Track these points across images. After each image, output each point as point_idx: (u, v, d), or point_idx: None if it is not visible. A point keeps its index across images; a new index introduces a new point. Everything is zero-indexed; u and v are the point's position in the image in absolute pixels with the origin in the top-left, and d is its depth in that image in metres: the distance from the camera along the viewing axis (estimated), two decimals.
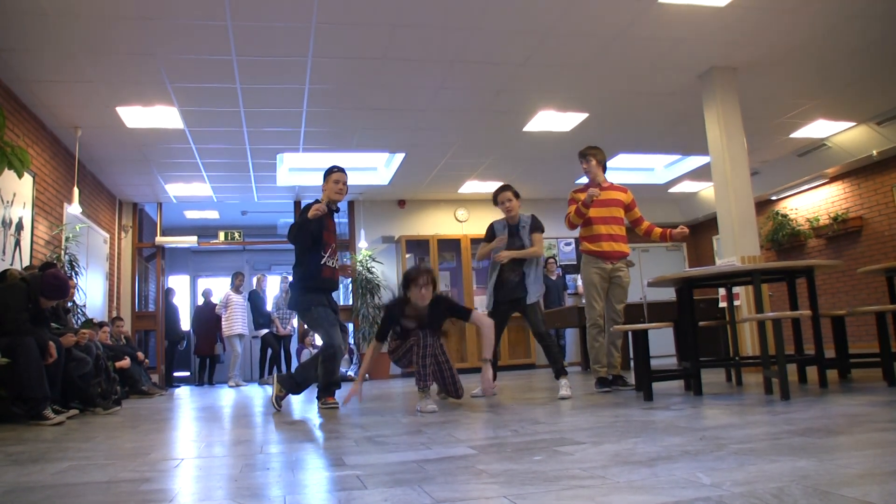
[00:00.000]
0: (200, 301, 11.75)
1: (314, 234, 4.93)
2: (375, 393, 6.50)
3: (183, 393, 8.94)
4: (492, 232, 5.44)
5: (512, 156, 9.50)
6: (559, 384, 4.98)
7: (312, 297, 4.97)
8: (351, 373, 10.63)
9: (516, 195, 5.36)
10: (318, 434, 3.61)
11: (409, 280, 4.64)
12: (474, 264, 11.63)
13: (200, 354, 11.24)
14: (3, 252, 6.13)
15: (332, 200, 5.13)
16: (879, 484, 1.72)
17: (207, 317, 11.18)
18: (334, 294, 5.25)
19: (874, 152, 9.17)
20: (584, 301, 5.50)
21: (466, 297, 11.36)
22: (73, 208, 7.77)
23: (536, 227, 5.35)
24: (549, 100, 7.56)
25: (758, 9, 5.67)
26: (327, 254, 5.00)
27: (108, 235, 9.99)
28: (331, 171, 5.19)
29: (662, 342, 9.93)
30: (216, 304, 11.15)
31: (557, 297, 11.03)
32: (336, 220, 5.30)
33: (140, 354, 8.44)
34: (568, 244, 12.52)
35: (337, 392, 5.08)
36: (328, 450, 2.95)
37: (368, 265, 11.19)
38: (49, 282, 4.95)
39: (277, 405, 4.93)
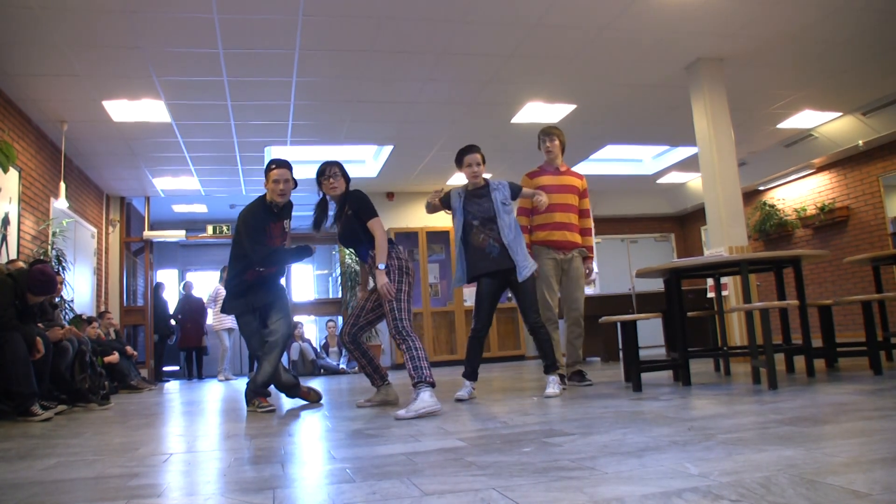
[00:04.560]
0: (181, 294, 11.80)
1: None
2: (365, 385, 6.50)
3: (172, 387, 8.91)
4: (448, 201, 4.78)
5: (500, 148, 9.48)
6: (547, 380, 4.52)
7: (232, 304, 4.77)
8: (343, 366, 10.64)
9: (483, 159, 4.73)
10: (308, 428, 3.61)
11: (318, 177, 4.37)
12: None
13: (185, 347, 11.25)
14: None
15: (273, 202, 4.64)
16: (865, 472, 1.74)
17: (191, 308, 11.23)
18: (268, 283, 4.78)
19: (860, 142, 9.23)
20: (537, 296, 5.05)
21: (455, 290, 11.36)
22: (60, 203, 7.72)
23: (517, 190, 4.79)
24: (537, 91, 7.56)
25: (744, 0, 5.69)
26: None
27: (95, 230, 9.93)
28: (269, 169, 4.60)
29: (651, 333, 9.97)
30: (199, 297, 11.26)
31: None
32: (287, 223, 4.81)
33: (129, 348, 8.41)
34: None
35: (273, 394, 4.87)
36: (317, 443, 2.95)
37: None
38: (36, 277, 4.92)
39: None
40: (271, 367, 4.60)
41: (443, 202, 4.78)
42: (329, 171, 4.32)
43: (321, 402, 4.89)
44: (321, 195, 4.47)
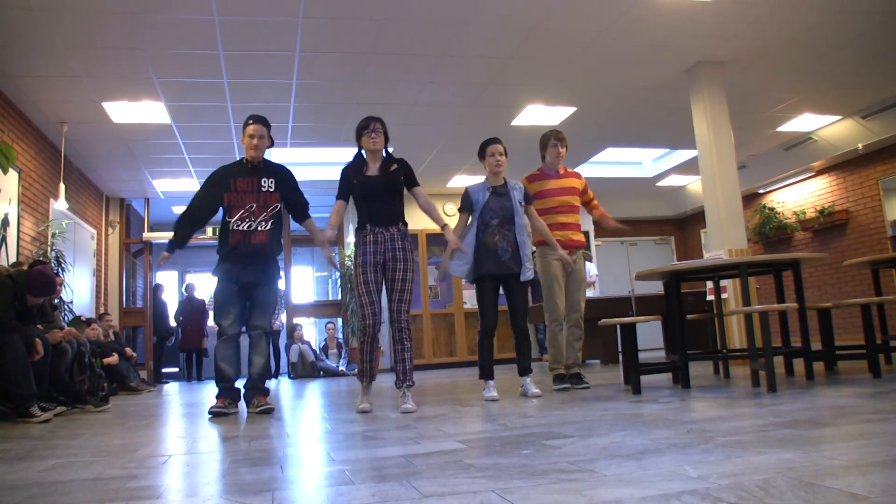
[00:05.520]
0: (182, 296, 11.80)
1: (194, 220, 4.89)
2: None
3: (171, 389, 8.91)
4: (468, 199, 4.89)
5: None
6: (524, 382, 4.70)
7: (219, 268, 4.68)
8: (342, 367, 10.63)
9: (506, 151, 4.92)
10: (307, 430, 3.61)
11: (359, 129, 4.49)
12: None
13: (186, 348, 11.24)
14: None
15: (247, 159, 4.69)
16: (863, 475, 1.74)
17: (192, 310, 11.24)
18: (259, 263, 4.64)
19: (860, 146, 9.23)
20: (543, 296, 5.19)
21: (455, 292, 11.35)
22: (60, 204, 7.72)
23: (530, 198, 5.02)
24: (537, 94, 7.57)
25: (744, 3, 5.69)
26: (235, 217, 4.59)
27: (94, 231, 9.93)
28: (246, 124, 4.67)
29: (650, 335, 9.97)
30: (201, 299, 11.29)
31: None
32: (267, 182, 4.66)
33: (128, 350, 8.40)
34: None
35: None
36: (316, 445, 2.95)
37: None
38: (35, 279, 4.92)
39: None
40: (263, 358, 4.64)
41: (463, 205, 4.93)
42: (372, 126, 4.45)
43: (272, 413, 4.56)
44: (358, 149, 4.56)
